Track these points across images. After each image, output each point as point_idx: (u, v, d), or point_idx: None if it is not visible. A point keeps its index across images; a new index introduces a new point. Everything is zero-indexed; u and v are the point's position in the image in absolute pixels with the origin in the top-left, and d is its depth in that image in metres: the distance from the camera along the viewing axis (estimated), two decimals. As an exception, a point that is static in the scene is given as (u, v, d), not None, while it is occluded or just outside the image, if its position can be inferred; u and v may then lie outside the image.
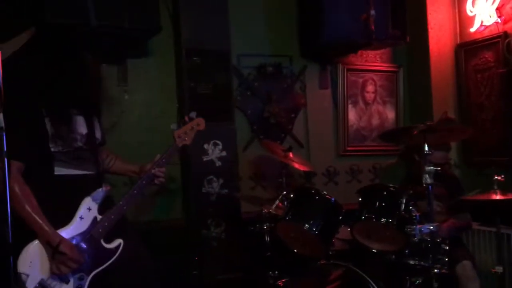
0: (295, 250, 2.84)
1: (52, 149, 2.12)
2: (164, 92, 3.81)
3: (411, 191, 2.63)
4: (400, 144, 3.83)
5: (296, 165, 3.50)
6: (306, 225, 2.68)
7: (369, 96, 4.44)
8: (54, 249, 2.01)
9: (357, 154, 4.39)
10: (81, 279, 2.10)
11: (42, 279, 2.03)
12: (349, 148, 4.37)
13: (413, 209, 2.54)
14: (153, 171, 2.30)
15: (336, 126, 4.35)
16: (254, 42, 4.06)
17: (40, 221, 2.02)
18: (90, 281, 2.12)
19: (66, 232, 2.09)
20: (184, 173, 3.78)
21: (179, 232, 3.67)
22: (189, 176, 3.70)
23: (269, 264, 2.97)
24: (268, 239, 3.01)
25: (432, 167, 2.40)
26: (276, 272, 2.89)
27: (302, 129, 4.23)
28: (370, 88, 4.44)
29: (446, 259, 2.57)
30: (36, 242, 2.04)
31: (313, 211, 2.76)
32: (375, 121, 4.47)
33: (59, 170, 2.14)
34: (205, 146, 3.67)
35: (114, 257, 2.17)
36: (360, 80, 4.42)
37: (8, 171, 1.89)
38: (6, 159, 1.82)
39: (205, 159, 3.67)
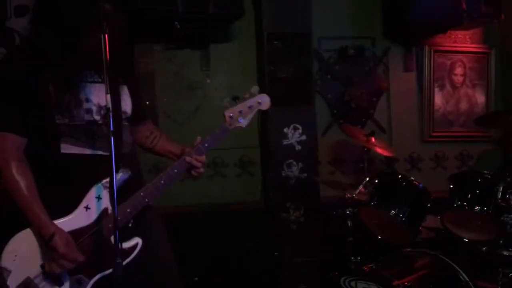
0: (379, 236, 2.77)
1: (58, 121, 1.73)
2: (245, 76, 3.84)
3: (509, 179, 2.47)
4: (495, 129, 3.60)
5: (379, 150, 3.40)
6: (392, 211, 2.60)
7: (458, 79, 4.21)
8: (45, 242, 1.65)
9: (443, 140, 4.19)
10: (79, 283, 1.70)
11: (27, 278, 1.67)
12: (434, 134, 4.18)
13: (511, 198, 2.38)
14: (187, 159, 1.85)
15: (421, 110, 4.17)
16: (335, 24, 3.98)
17: (35, 207, 1.67)
18: (92, 287, 1.73)
19: (65, 224, 1.71)
20: (263, 156, 3.82)
21: (258, 215, 3.73)
22: (268, 159, 3.72)
23: (351, 250, 2.93)
24: (351, 224, 2.96)
25: (534, 153, 2.22)
26: (359, 258, 2.84)
27: (384, 113, 4.10)
28: (458, 70, 4.20)
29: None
30: (27, 231, 1.69)
31: (399, 197, 2.68)
32: (463, 106, 4.23)
33: (66, 148, 1.75)
34: (285, 130, 3.67)
35: (127, 260, 1.73)
36: (448, 62, 4.19)
37: (3, 146, 1.69)
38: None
39: (284, 143, 3.67)
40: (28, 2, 3.47)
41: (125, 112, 1.89)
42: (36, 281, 1.68)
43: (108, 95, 1.56)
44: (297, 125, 3.68)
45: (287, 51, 3.69)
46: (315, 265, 3.50)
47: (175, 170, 1.85)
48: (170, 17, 3.23)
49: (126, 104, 1.90)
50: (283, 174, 3.65)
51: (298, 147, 3.68)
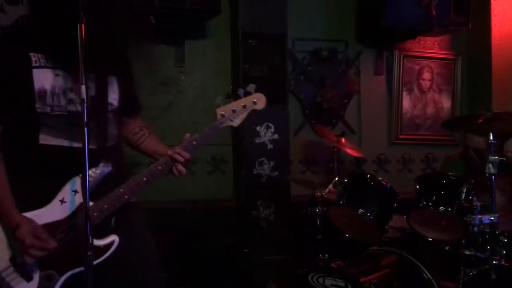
0: (347, 235, 2.84)
1: (39, 110, 1.65)
2: (219, 74, 3.86)
3: (472, 181, 2.57)
4: (461, 133, 3.73)
5: (349, 151, 3.49)
6: (360, 210, 2.67)
7: (425, 83, 4.34)
8: (12, 233, 1.59)
9: (409, 142, 4.33)
10: (49, 278, 1.63)
11: None
12: (401, 136, 4.30)
13: (474, 199, 2.48)
14: (169, 152, 1.76)
15: (390, 113, 4.29)
16: (310, 26, 4.04)
17: (2, 197, 1.61)
18: (64, 284, 1.64)
19: (39, 216, 1.64)
20: (236, 154, 3.84)
21: (230, 212, 3.75)
22: (240, 157, 3.75)
23: (320, 247, 2.99)
24: (320, 222, 3.02)
25: (496, 157, 2.33)
26: (327, 255, 2.90)
27: (355, 115, 4.20)
28: (426, 75, 4.34)
29: (504, 252, 2.51)
30: None
31: (367, 197, 2.75)
32: (430, 110, 4.37)
33: (45, 139, 1.67)
34: (258, 128, 3.70)
35: (102, 258, 1.66)
36: (417, 67, 4.32)
37: None
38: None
39: (257, 141, 3.70)
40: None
41: (111, 104, 1.79)
42: (3, 274, 1.61)
43: (83, 86, 1.46)
44: (270, 124, 3.72)
45: (262, 50, 3.72)
46: (285, 262, 3.55)
47: (159, 167, 1.76)
48: (146, 11, 3.21)
49: (113, 96, 1.80)
50: (255, 172, 3.69)
51: (270, 146, 3.72)
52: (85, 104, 1.46)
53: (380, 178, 2.83)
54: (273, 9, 3.71)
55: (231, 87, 3.85)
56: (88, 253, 1.46)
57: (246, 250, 3.40)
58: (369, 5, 3.99)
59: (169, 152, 1.77)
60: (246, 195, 3.70)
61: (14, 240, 1.60)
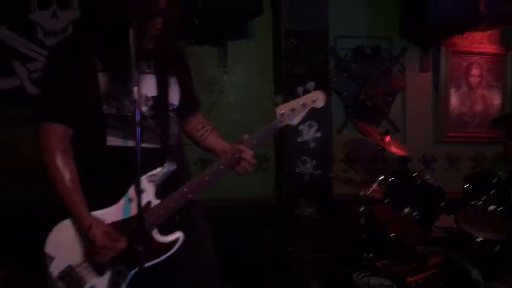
0: (392, 234, 2.80)
1: (105, 112, 1.71)
2: (262, 73, 3.88)
3: (524, 179, 2.49)
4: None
5: (393, 149, 3.43)
6: (406, 209, 2.63)
7: (474, 80, 4.21)
8: (85, 233, 1.68)
9: (457, 140, 4.20)
10: (120, 273, 1.70)
11: (69, 266, 1.69)
12: (449, 134, 4.18)
13: (525, 198, 2.40)
14: (241, 147, 1.79)
15: (436, 111, 4.18)
16: (352, 23, 3.99)
17: (75, 199, 1.68)
18: (132, 278, 1.71)
19: (107, 215, 1.71)
20: (278, 152, 3.86)
21: (272, 210, 3.77)
22: (283, 155, 3.76)
23: (364, 246, 2.96)
24: (364, 221, 3.00)
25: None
26: (371, 255, 2.87)
27: (399, 113, 4.12)
28: (475, 71, 4.20)
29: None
30: (67, 221, 1.72)
31: (413, 196, 2.71)
32: (479, 107, 4.23)
33: (112, 140, 1.73)
34: (300, 127, 3.70)
35: (167, 254, 1.73)
36: (465, 63, 4.19)
37: (48, 135, 1.69)
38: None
39: (299, 139, 3.70)
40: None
41: (172, 104, 1.84)
42: (77, 269, 1.69)
43: (136, 88, 1.54)
44: (312, 123, 3.71)
45: (304, 49, 3.72)
46: (326, 261, 3.53)
47: (221, 167, 1.79)
48: (190, 13, 3.28)
49: (174, 96, 1.85)
50: (297, 171, 3.69)
51: (312, 144, 3.71)
52: (137, 105, 1.54)
53: (427, 177, 2.77)
54: (314, 7, 3.69)
55: (273, 86, 3.88)
56: (140, 249, 1.54)
57: (290, 249, 3.40)
58: (413, 1, 3.91)
59: (241, 147, 1.78)
60: (288, 194, 3.71)
61: (87, 240, 1.68)
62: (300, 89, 1.91)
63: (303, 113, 1.86)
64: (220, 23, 3.52)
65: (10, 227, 3.07)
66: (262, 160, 3.87)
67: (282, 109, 1.83)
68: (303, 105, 1.85)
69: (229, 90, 3.86)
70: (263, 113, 3.80)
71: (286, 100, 1.92)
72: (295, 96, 1.96)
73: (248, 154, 1.80)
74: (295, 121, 1.86)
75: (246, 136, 1.83)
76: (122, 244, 1.67)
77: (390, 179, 2.81)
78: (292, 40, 3.69)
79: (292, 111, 1.83)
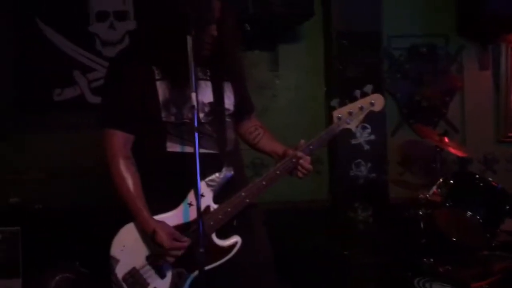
0: (454, 238, 2.70)
1: (164, 119, 1.75)
2: (313, 76, 3.87)
3: None
4: None
5: (452, 150, 3.31)
6: (469, 212, 2.52)
7: (537, 77, 4.00)
8: (150, 237, 1.70)
9: (520, 140, 4.00)
10: (180, 276, 1.74)
11: (133, 268, 1.74)
12: (510, 134, 3.99)
13: None
14: (299, 154, 1.78)
15: (497, 110, 4.00)
16: (406, 22, 3.91)
17: (138, 204, 1.72)
18: (192, 281, 1.74)
19: (167, 220, 1.75)
20: (331, 155, 3.82)
21: (325, 213, 3.73)
22: (336, 158, 3.72)
23: (423, 251, 2.87)
24: (424, 225, 2.90)
25: None
26: (431, 260, 2.78)
27: (458, 113, 3.98)
28: (539, 68, 3.99)
29: None
30: (131, 225, 1.77)
31: (476, 199, 2.60)
32: (543, 106, 4.01)
33: (172, 146, 1.76)
34: (354, 129, 3.64)
35: (226, 258, 1.75)
36: (527, 60, 3.99)
37: (111, 142, 1.74)
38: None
39: (353, 142, 3.65)
40: (109, 7, 3.71)
41: (228, 109, 1.86)
42: (141, 271, 1.73)
43: (194, 94, 1.56)
44: (366, 125, 3.64)
45: (356, 50, 3.67)
46: (384, 265, 3.45)
47: (277, 172, 1.79)
48: (241, 18, 3.30)
49: (230, 101, 1.86)
50: (351, 174, 3.64)
51: (366, 147, 3.64)
52: (195, 111, 1.56)
53: (490, 179, 2.65)
54: (367, 7, 3.64)
55: (325, 89, 3.85)
56: (201, 250, 1.54)
57: (346, 252, 3.35)
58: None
59: (299, 154, 1.78)
60: (343, 197, 3.66)
61: (153, 245, 1.71)
62: (357, 92, 1.84)
63: (361, 117, 1.83)
64: (271, 27, 3.54)
65: (72, 229, 3.20)
66: (315, 162, 3.82)
67: (339, 112, 1.82)
68: (361, 108, 1.82)
69: (281, 94, 3.87)
70: (315, 117, 3.78)
71: (343, 103, 1.84)
72: (352, 99, 1.84)
73: (305, 160, 1.80)
74: (353, 124, 1.84)
75: (302, 141, 1.83)
76: (186, 242, 1.70)
77: (450, 181, 2.70)
78: (344, 41, 3.66)
79: (350, 115, 1.81)
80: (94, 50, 3.69)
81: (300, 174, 1.83)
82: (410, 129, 3.87)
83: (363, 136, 3.65)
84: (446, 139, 3.28)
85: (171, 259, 1.71)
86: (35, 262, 3.07)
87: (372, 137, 3.64)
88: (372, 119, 3.52)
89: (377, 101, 1.82)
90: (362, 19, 3.65)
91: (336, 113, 1.81)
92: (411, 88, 3.91)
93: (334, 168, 3.77)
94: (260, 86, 3.81)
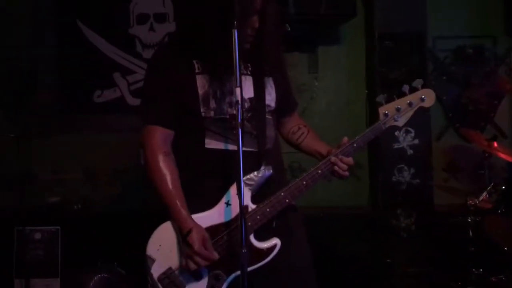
0: (506, 248, 2.54)
1: (203, 115, 1.69)
2: (353, 79, 3.78)
3: None
4: None
5: (503, 156, 3.14)
6: (523, 220, 2.37)
7: None
8: (183, 237, 1.64)
9: None
10: (217, 278, 1.67)
11: (169, 269, 1.67)
12: None
13: None
14: (332, 159, 1.70)
15: (550, 114, 3.80)
16: (452, 23, 3.77)
17: (177, 201, 1.65)
18: (230, 283, 1.67)
19: (204, 219, 1.68)
20: (372, 159, 3.70)
21: (366, 220, 3.62)
22: (377, 163, 3.60)
23: (472, 260, 2.72)
24: (473, 233, 2.75)
25: None
26: (481, 270, 2.63)
27: (507, 117, 3.80)
28: None
29: None
30: (168, 223, 1.70)
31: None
32: None
33: (210, 143, 1.70)
34: (396, 133, 3.52)
35: (265, 261, 1.67)
36: None
37: (151, 138, 1.69)
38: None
39: (395, 146, 3.53)
40: (149, 10, 3.73)
41: (268, 106, 1.78)
42: (177, 272, 1.67)
43: (238, 88, 1.50)
44: (409, 129, 3.52)
45: (399, 51, 3.56)
46: (429, 275, 3.30)
47: (319, 171, 1.70)
48: (282, 18, 3.25)
49: (271, 97, 1.78)
50: (394, 179, 3.51)
51: (410, 152, 3.51)
52: (239, 106, 1.49)
53: (546, 185, 2.49)
54: (410, 7, 3.53)
55: (366, 91, 3.75)
56: (243, 251, 1.48)
57: (388, 260, 3.22)
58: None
59: (332, 159, 1.70)
60: (384, 203, 3.53)
61: (183, 243, 1.64)
62: (406, 87, 1.71)
63: (410, 113, 1.71)
64: (312, 28, 3.48)
65: (111, 230, 3.20)
66: (355, 167, 3.69)
67: (386, 109, 1.70)
68: (410, 104, 1.70)
69: (320, 96, 3.79)
70: (355, 119, 3.68)
71: (390, 99, 1.71)
72: (401, 95, 1.71)
73: (345, 160, 1.71)
74: (401, 122, 1.71)
75: (346, 138, 1.74)
76: (215, 256, 1.63)
77: (502, 187, 2.56)
78: (386, 42, 3.55)
79: (398, 111, 1.69)
80: (134, 52, 3.72)
81: (338, 175, 1.73)
82: (456, 134, 3.71)
83: (406, 140, 3.52)
84: (496, 144, 3.12)
85: (193, 265, 1.62)
86: (73, 261, 3.09)
87: (416, 141, 3.52)
88: (415, 122, 3.46)
89: (428, 96, 1.70)
90: (406, 19, 3.54)
91: (382, 109, 1.69)
92: (457, 91, 3.76)
93: (375, 173, 3.65)
94: (299, 88, 3.74)
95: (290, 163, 3.36)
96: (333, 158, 1.70)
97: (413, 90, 1.70)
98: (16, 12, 3.60)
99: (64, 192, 3.54)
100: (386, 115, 1.70)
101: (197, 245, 1.60)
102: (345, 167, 1.71)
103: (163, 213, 1.72)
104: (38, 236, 3.18)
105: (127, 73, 3.72)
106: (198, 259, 1.61)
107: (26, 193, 3.11)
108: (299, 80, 3.73)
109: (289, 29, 3.31)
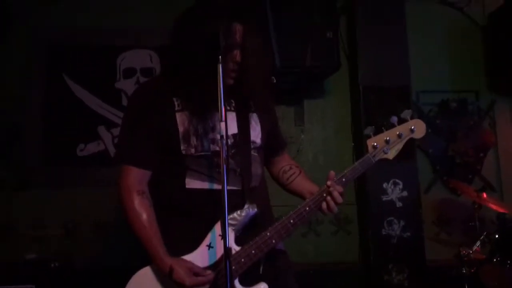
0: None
1: (184, 152, 1.63)
2: (340, 130, 3.78)
3: None
4: None
5: (493, 206, 3.10)
6: (519, 270, 2.29)
7: None
8: (168, 276, 1.56)
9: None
10: None
11: None
12: (551, 191, 3.76)
13: None
14: (329, 183, 1.63)
15: (534, 165, 3.81)
16: (434, 77, 3.86)
17: (153, 240, 1.59)
18: None
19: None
20: (361, 213, 3.63)
21: (357, 276, 3.49)
22: (366, 216, 3.53)
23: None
24: (468, 285, 2.65)
25: None
26: (479, 326, 2.51)
27: (493, 169, 3.80)
28: None
29: None
30: (146, 269, 1.62)
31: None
32: None
33: (190, 183, 1.63)
34: (384, 185, 3.48)
35: None
36: None
37: (126, 178, 1.64)
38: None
39: (384, 199, 3.47)
40: (136, 65, 3.76)
41: (254, 142, 1.72)
42: None
43: (223, 123, 1.45)
44: (398, 180, 3.49)
45: (384, 105, 3.59)
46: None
47: (307, 208, 1.63)
48: (266, 52, 3.27)
49: (255, 133, 1.73)
50: (384, 233, 3.42)
51: (399, 204, 3.46)
52: (223, 141, 1.44)
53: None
54: (394, 62, 3.60)
55: (353, 144, 3.74)
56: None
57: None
58: (499, 51, 3.71)
59: (328, 183, 1.63)
60: (375, 258, 3.42)
61: (174, 284, 1.54)
62: (394, 118, 1.70)
63: (400, 145, 1.68)
64: (297, 81, 3.51)
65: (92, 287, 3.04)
66: (344, 222, 3.65)
67: (375, 141, 1.67)
68: (400, 135, 1.67)
69: (307, 149, 3.77)
70: (342, 171, 3.64)
71: (378, 131, 1.68)
72: (390, 126, 1.68)
73: (336, 190, 1.63)
74: (391, 154, 1.68)
75: (333, 172, 1.67)
76: (209, 276, 1.55)
77: (495, 236, 2.49)
78: (371, 96, 3.59)
79: (387, 143, 1.65)
80: (120, 106, 3.70)
81: (327, 209, 1.65)
82: (444, 187, 3.69)
83: (394, 193, 3.47)
84: (485, 195, 3.09)
85: None
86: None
87: (405, 193, 3.47)
88: (402, 174, 3.45)
89: (418, 127, 1.67)
90: (390, 73, 3.60)
91: (371, 142, 1.66)
92: (443, 143, 3.78)
93: (364, 227, 3.56)
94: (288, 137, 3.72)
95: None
96: (329, 182, 1.63)
97: (402, 121, 1.67)
98: (3, 64, 3.60)
99: (43, 248, 3.38)
100: (375, 147, 1.66)
101: (187, 279, 1.52)
102: (340, 197, 1.63)
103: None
104: (11, 295, 2.99)
105: (112, 126, 3.68)
106: None
107: (2, 248, 2.97)
108: (287, 132, 3.72)
109: (275, 81, 3.35)
